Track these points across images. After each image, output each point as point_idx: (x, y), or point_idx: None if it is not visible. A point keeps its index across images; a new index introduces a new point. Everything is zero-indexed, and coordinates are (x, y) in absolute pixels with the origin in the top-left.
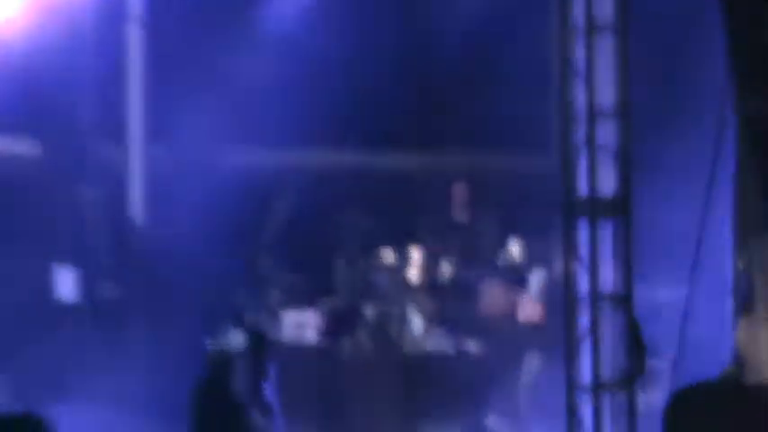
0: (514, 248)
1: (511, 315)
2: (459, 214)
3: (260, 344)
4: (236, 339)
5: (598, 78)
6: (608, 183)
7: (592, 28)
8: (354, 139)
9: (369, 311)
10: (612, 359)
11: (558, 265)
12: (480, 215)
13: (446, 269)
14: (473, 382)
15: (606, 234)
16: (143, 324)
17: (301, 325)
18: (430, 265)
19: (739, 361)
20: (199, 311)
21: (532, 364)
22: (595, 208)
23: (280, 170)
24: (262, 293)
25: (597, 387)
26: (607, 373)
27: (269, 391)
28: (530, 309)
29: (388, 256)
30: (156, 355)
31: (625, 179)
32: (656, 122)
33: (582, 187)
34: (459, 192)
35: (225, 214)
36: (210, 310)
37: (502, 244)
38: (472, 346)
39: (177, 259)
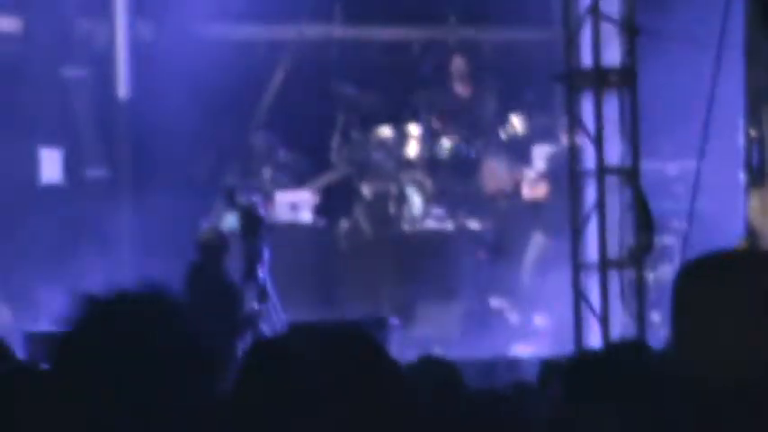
0: (517, 123)
1: (514, 192)
2: (459, 88)
3: (253, 225)
4: (228, 220)
5: None
6: (612, 53)
7: None
8: (349, 12)
9: (366, 190)
10: (620, 236)
11: (563, 140)
12: (480, 89)
13: (446, 145)
14: (474, 261)
15: (611, 106)
16: (132, 205)
17: (296, 205)
18: (429, 142)
19: (752, 233)
20: (189, 191)
21: (537, 242)
22: (600, 79)
23: (272, 44)
24: (255, 172)
25: (604, 265)
26: (614, 250)
27: (263, 273)
28: (533, 185)
29: (385, 132)
30: (147, 237)
31: (630, 49)
32: None
33: (586, 58)
34: (458, 65)
35: (215, 90)
36: (202, 190)
37: (503, 118)
38: (474, 225)
39: (166, 137)
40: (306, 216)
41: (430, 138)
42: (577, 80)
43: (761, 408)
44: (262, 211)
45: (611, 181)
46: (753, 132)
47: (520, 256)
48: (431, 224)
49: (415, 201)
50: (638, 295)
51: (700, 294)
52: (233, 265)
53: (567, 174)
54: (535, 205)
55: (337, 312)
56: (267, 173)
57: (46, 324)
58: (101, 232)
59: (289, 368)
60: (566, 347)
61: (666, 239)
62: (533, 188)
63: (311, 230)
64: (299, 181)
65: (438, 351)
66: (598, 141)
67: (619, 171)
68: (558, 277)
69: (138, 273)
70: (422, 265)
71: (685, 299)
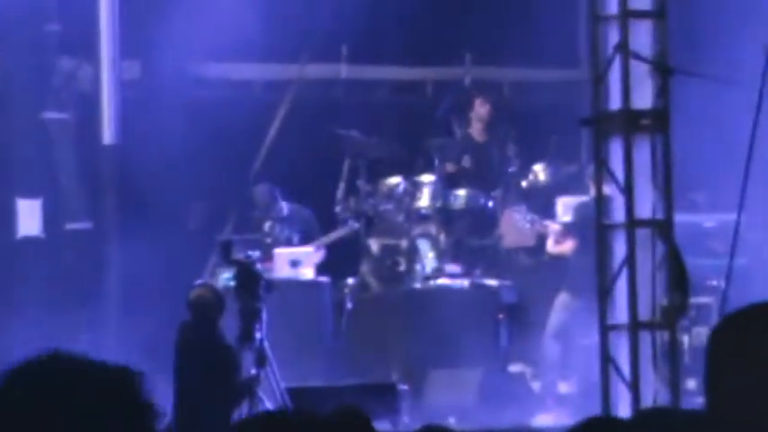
0: (539, 171)
1: (537, 247)
2: (476, 133)
3: (251, 282)
4: (223, 277)
5: None
6: (643, 94)
7: None
8: (356, 50)
9: (373, 244)
10: (652, 295)
11: (590, 189)
12: (499, 134)
13: (461, 195)
14: (493, 322)
15: (642, 153)
16: (117, 260)
17: (297, 261)
18: (443, 192)
19: None
20: (181, 245)
21: (562, 302)
22: (630, 123)
23: (271, 84)
24: (254, 225)
25: (635, 326)
26: (646, 310)
27: (262, 335)
28: (558, 239)
29: (395, 181)
30: (134, 295)
31: (663, 90)
32: (697, 23)
33: (614, 100)
34: (480, 109)
35: (209, 134)
36: (195, 244)
37: (525, 166)
38: (492, 283)
39: (155, 186)
40: (308, 273)
41: (444, 187)
42: (605, 124)
43: None
44: (260, 268)
45: (643, 235)
46: None
47: (543, 317)
48: (444, 281)
49: (428, 256)
50: (672, 360)
51: (736, 350)
52: (228, 325)
53: (594, 227)
54: (560, 261)
55: (341, 377)
56: (267, 226)
57: None
58: (83, 290)
59: None
60: None
61: (703, 299)
62: (558, 243)
63: (313, 288)
64: (301, 235)
65: (452, 421)
66: (628, 191)
67: (650, 224)
68: (584, 340)
69: (124, 334)
70: (434, 327)
71: (721, 355)
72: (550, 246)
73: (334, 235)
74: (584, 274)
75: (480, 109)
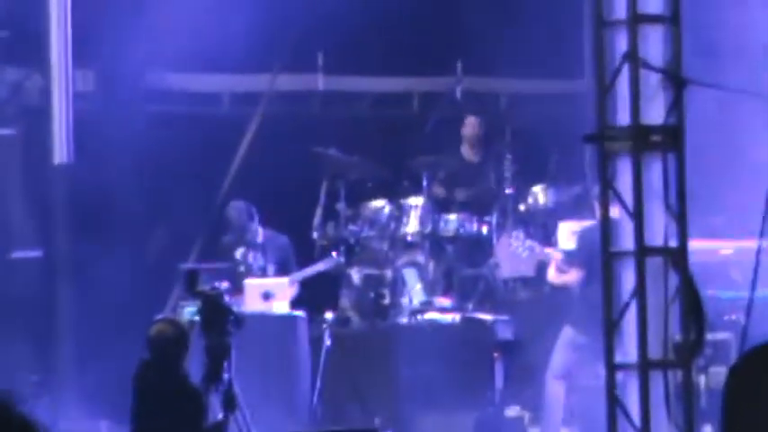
0: (539, 193)
1: (537, 277)
2: (468, 152)
3: (219, 316)
4: (187, 311)
5: None
6: (655, 108)
7: None
8: (334, 60)
9: (355, 274)
10: (664, 330)
11: (595, 213)
12: (495, 152)
13: (452, 220)
14: (488, 361)
15: (654, 173)
16: (70, 292)
17: (270, 294)
18: (432, 216)
19: None
20: (140, 275)
21: (566, 338)
22: (640, 140)
23: (240, 97)
24: (223, 252)
25: (645, 365)
26: (657, 347)
27: (230, 375)
28: (561, 268)
29: (378, 204)
30: (88, 330)
31: (676, 103)
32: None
33: (622, 114)
34: (472, 127)
35: (171, 153)
36: (155, 274)
37: (523, 188)
38: (487, 317)
39: (111, 210)
40: (282, 306)
41: (433, 211)
42: (612, 141)
43: None
44: (229, 300)
45: (654, 264)
46: None
47: (544, 355)
48: (434, 316)
49: (415, 287)
50: (686, 402)
51: (757, 391)
52: (193, 365)
53: (599, 255)
54: (563, 293)
55: (319, 424)
56: (239, 253)
57: None
58: (32, 326)
59: None
60: None
61: (720, 335)
62: (561, 272)
63: (288, 323)
64: (277, 265)
65: None
66: (637, 215)
67: (662, 252)
68: (590, 381)
69: (77, 374)
70: (423, 366)
71: (740, 397)
72: (552, 275)
73: (314, 268)
74: (590, 308)
75: (474, 128)
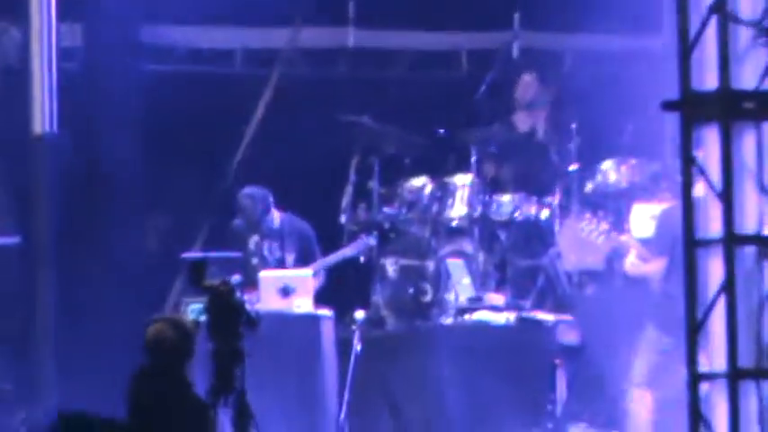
0: (610, 169)
1: (607, 270)
2: (525, 121)
3: (229, 316)
4: (192, 309)
5: None
6: (748, 71)
7: None
8: (366, 12)
9: (390, 266)
10: (757, 333)
11: (676, 194)
12: (559, 123)
13: (506, 202)
14: (549, 371)
15: (745, 146)
16: (54, 286)
17: (290, 289)
18: (482, 198)
19: None
20: (136, 267)
21: (649, 341)
22: (730, 108)
23: (254, 54)
24: (234, 241)
25: (735, 375)
26: (749, 353)
27: (242, 385)
28: (636, 258)
29: (419, 183)
30: (75, 331)
31: None
32: None
33: (709, 78)
34: (528, 86)
35: (172, 122)
36: (154, 265)
37: (590, 164)
38: (547, 317)
39: (101, 189)
40: (304, 304)
41: (483, 192)
42: (697, 108)
43: None
44: (241, 296)
45: (746, 254)
46: None
47: (615, 361)
48: (484, 316)
49: (462, 282)
50: None
51: None
52: (199, 373)
53: (681, 242)
54: (640, 288)
55: None
56: (253, 242)
57: None
58: (8, 324)
59: None
60: None
61: None
62: (639, 262)
63: (312, 324)
64: (297, 254)
65: None
66: (726, 196)
67: (756, 240)
68: (678, 391)
69: (61, 381)
70: (470, 375)
71: None
72: (631, 264)
73: (339, 254)
74: (675, 304)
75: (530, 87)
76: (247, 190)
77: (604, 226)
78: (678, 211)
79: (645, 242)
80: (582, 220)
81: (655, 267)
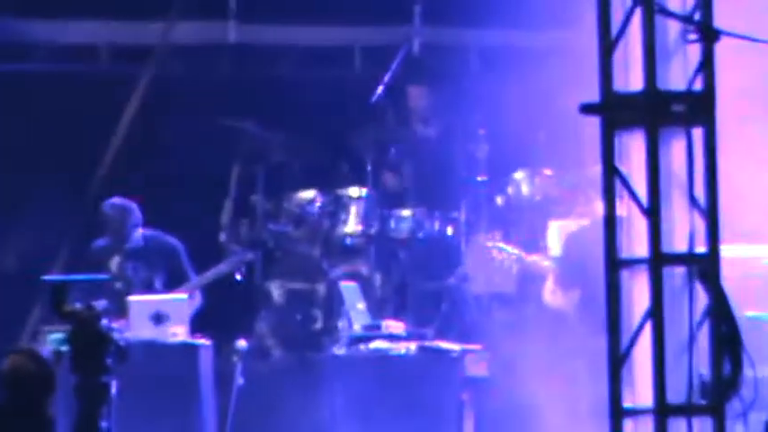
0: (522, 180)
1: (519, 293)
2: (424, 125)
3: (95, 347)
4: (53, 338)
5: None
6: (676, 70)
7: None
8: (249, 4)
9: (276, 292)
10: (688, 364)
11: (596, 208)
12: (465, 128)
13: (406, 218)
14: (455, 408)
15: (674, 154)
16: None
17: (164, 315)
18: (381, 213)
19: None
20: None
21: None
22: (657, 111)
23: (122, 51)
24: (93, 261)
25: (663, 410)
26: (677, 388)
27: (109, 423)
28: (555, 285)
29: (309, 197)
30: None
31: (705, 62)
32: None
33: (633, 78)
34: (416, 98)
35: (30, 130)
36: (11, 288)
37: (502, 175)
38: (452, 347)
39: None
40: (179, 332)
41: (381, 205)
42: (620, 112)
43: None
44: (108, 324)
45: (675, 276)
46: None
47: (530, 397)
48: (381, 345)
49: (356, 307)
50: None
51: None
52: (60, 410)
53: (597, 265)
54: (556, 314)
55: None
56: (114, 263)
57: None
58: None
59: None
60: None
61: (764, 370)
62: (558, 290)
63: (187, 354)
64: (165, 276)
65: None
66: (653, 211)
67: (687, 259)
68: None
69: None
70: (365, 412)
71: None
72: (550, 293)
73: (213, 271)
74: (595, 334)
75: (417, 99)
76: (114, 200)
77: (515, 251)
78: (587, 232)
79: (559, 264)
80: (490, 245)
81: (566, 300)
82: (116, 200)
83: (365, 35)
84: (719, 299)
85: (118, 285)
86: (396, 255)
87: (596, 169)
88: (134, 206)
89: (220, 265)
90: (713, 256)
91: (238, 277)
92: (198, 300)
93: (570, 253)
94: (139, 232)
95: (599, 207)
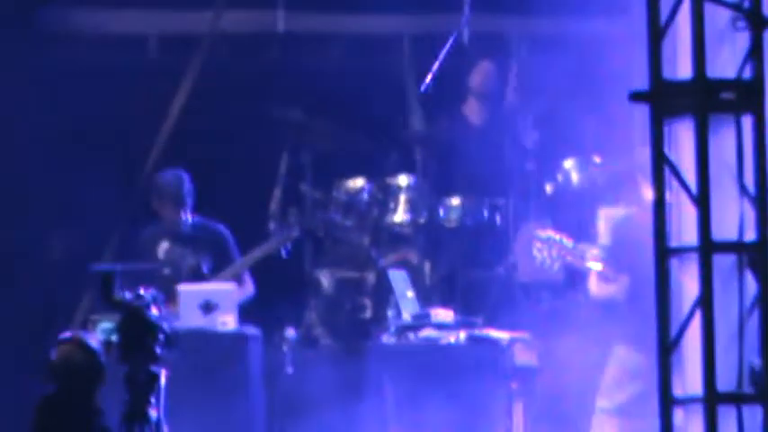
0: (572, 168)
1: (568, 281)
2: (476, 112)
3: (144, 335)
4: (102, 327)
5: None
6: (725, 59)
7: None
8: None
9: (324, 278)
10: (739, 353)
11: (645, 196)
12: (515, 116)
13: (455, 207)
14: (504, 396)
15: (724, 142)
16: None
17: (213, 304)
18: (428, 201)
19: None
20: (35, 280)
21: (618, 359)
22: (706, 99)
23: (170, 40)
24: (141, 250)
25: (712, 398)
26: (728, 375)
27: (159, 413)
28: (599, 281)
29: (358, 186)
30: None
31: (755, 51)
32: None
33: (683, 66)
34: (482, 75)
35: (76, 119)
36: (57, 277)
37: (552, 163)
38: (501, 336)
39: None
40: (228, 320)
41: (430, 194)
42: (669, 100)
43: None
44: (157, 313)
45: (725, 264)
46: None
47: (580, 385)
48: (430, 334)
49: (405, 296)
50: None
51: None
52: (110, 399)
53: (644, 252)
54: (609, 305)
55: None
56: (162, 249)
57: None
58: None
59: None
60: None
61: None
62: (602, 285)
63: (237, 343)
64: (212, 262)
65: None
66: (702, 199)
67: (737, 247)
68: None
69: None
70: (415, 401)
71: None
72: (595, 287)
73: (258, 251)
74: (644, 320)
75: (483, 76)
76: (165, 172)
77: (556, 250)
78: (635, 218)
79: (605, 252)
80: (538, 229)
81: (616, 288)
82: (170, 171)
83: (414, 23)
84: None
85: (166, 271)
86: (444, 243)
87: (643, 154)
88: (186, 176)
89: (266, 244)
90: (763, 243)
91: (284, 255)
92: (250, 288)
93: (618, 239)
94: (188, 217)
95: (646, 192)
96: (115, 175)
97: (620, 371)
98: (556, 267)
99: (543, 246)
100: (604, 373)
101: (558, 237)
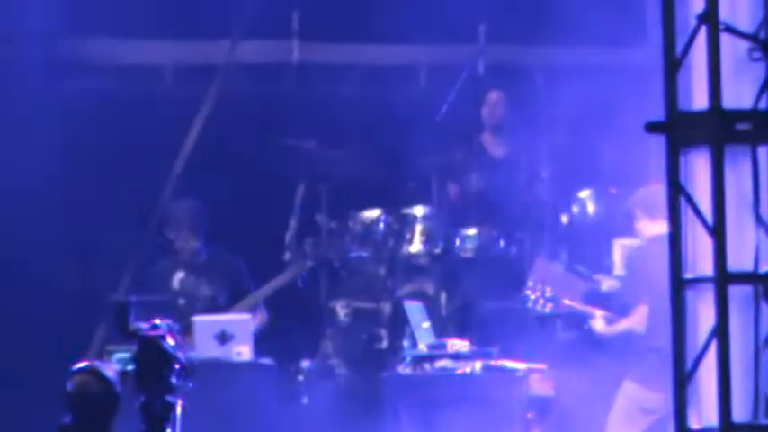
0: (589, 200)
1: (585, 313)
2: (491, 143)
3: (160, 366)
4: (118, 358)
5: None
6: (742, 88)
7: None
8: (313, 24)
9: (341, 311)
10: (755, 385)
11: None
12: (526, 145)
13: (471, 237)
14: (521, 426)
15: (740, 172)
16: None
17: (228, 335)
18: (446, 232)
19: None
20: (50, 312)
21: (627, 395)
22: (722, 129)
23: (187, 70)
24: (155, 280)
25: (728, 430)
26: (743, 407)
27: None
28: (604, 323)
29: (373, 216)
30: None
31: None
32: None
33: (698, 96)
34: (493, 105)
35: (92, 149)
36: (71, 308)
37: (568, 194)
38: (517, 367)
39: (13, 225)
40: (244, 351)
41: (446, 225)
42: (685, 130)
43: None
44: (174, 343)
45: (741, 294)
46: None
47: (596, 416)
48: (446, 364)
49: (421, 326)
50: None
51: None
52: (125, 429)
53: (659, 282)
54: (621, 335)
55: None
56: (177, 279)
57: None
58: None
59: None
60: None
61: None
62: (608, 327)
63: (252, 373)
64: (228, 293)
65: None
66: (718, 230)
67: (754, 278)
68: None
69: None
70: (430, 429)
71: None
72: (604, 329)
73: (274, 283)
74: (661, 356)
75: (494, 106)
76: (178, 202)
77: (551, 291)
78: (649, 249)
79: (624, 281)
80: (552, 260)
81: (635, 320)
82: (184, 201)
83: (430, 54)
84: None
85: (181, 302)
86: (460, 274)
87: (644, 189)
88: (201, 205)
89: (282, 275)
90: None
91: (299, 284)
92: (263, 316)
93: (632, 271)
94: (203, 248)
95: (643, 227)
96: (131, 205)
97: (633, 406)
98: (548, 309)
99: (536, 286)
100: (614, 409)
101: (549, 288)
